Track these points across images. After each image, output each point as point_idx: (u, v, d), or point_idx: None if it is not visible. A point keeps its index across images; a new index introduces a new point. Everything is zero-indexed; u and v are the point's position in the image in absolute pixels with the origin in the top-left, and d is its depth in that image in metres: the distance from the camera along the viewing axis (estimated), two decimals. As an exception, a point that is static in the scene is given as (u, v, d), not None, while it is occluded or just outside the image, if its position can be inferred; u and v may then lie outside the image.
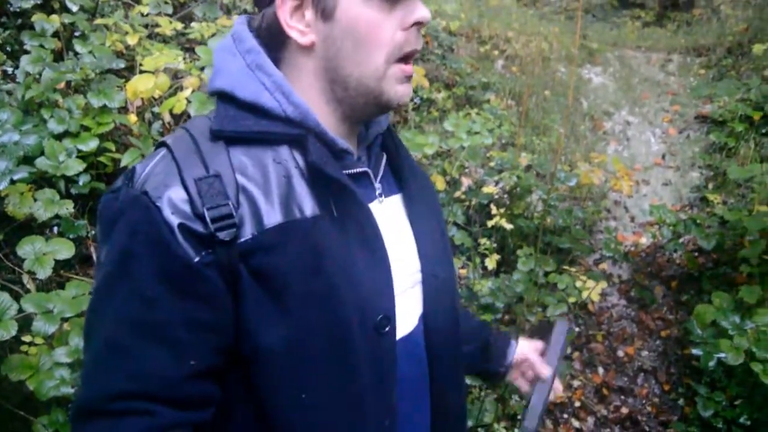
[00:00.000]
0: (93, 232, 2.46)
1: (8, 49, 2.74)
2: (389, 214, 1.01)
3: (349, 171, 0.95)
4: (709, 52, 5.86)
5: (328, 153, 0.92)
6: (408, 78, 0.94)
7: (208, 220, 0.81)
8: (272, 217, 0.85)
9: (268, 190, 0.86)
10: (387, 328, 0.93)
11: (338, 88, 0.93)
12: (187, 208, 0.81)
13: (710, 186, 4.30)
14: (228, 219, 0.82)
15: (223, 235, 0.81)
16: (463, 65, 4.57)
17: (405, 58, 0.93)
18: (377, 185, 1.00)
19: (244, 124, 0.89)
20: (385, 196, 1.02)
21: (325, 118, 0.94)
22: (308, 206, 0.88)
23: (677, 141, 4.83)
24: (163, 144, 0.89)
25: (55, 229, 2.33)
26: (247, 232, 0.83)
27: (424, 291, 1.04)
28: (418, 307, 1.04)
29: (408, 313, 1.01)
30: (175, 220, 0.81)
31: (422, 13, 0.91)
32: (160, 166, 0.85)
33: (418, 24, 0.92)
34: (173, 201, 0.81)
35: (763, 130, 4.43)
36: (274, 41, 0.93)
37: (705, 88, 3.83)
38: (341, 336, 0.88)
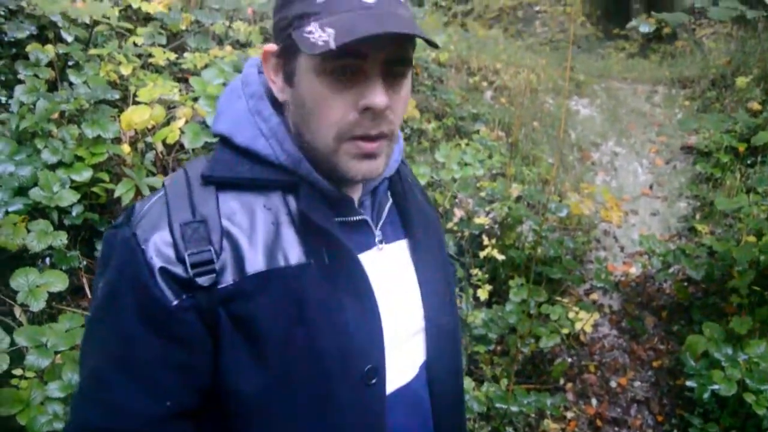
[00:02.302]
0: (85, 263, 2.44)
1: (2, 78, 2.74)
2: (390, 262, 1.00)
3: (345, 219, 0.95)
4: (693, 84, 5.97)
5: (322, 200, 0.91)
6: (367, 155, 0.88)
7: (188, 264, 0.83)
8: (255, 264, 0.86)
9: (254, 236, 0.87)
10: (374, 380, 0.91)
11: (306, 146, 0.91)
12: (170, 252, 0.84)
13: (698, 216, 4.35)
14: (208, 265, 0.84)
15: (202, 281, 0.83)
16: (453, 96, 4.62)
17: (364, 138, 0.87)
18: (377, 232, 0.99)
19: (238, 170, 0.90)
20: (387, 243, 1.00)
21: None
22: (294, 254, 0.88)
23: (664, 171, 4.89)
24: (163, 185, 0.92)
25: (48, 260, 2.31)
26: (228, 278, 0.85)
27: (427, 339, 1.03)
28: (420, 355, 1.03)
29: (406, 362, 1.00)
30: (156, 263, 0.83)
31: (370, 99, 0.84)
32: (155, 207, 0.88)
33: (368, 110, 0.85)
34: (157, 244, 0.84)
35: (749, 161, 4.50)
36: None
37: (692, 122, 3.90)
38: (323, 387, 0.88)
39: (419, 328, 1.02)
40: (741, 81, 5.21)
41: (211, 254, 0.84)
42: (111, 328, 0.86)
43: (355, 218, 0.97)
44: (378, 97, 0.84)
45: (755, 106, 4.89)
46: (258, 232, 0.87)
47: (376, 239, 0.99)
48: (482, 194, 3.70)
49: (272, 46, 0.91)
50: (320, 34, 0.80)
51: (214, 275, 0.83)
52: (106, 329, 0.87)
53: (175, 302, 0.83)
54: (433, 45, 0.83)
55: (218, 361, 0.86)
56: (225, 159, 0.91)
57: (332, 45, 0.78)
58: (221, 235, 0.85)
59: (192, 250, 0.83)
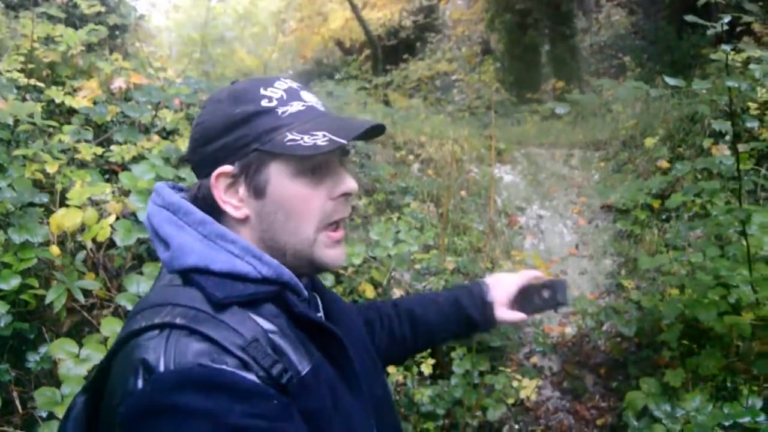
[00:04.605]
0: (14, 374, 2.33)
1: None
2: None
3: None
4: (606, 145, 6.32)
5: (303, 301, 0.98)
6: (338, 242, 1.01)
7: (274, 376, 0.83)
8: (303, 363, 0.89)
9: (287, 340, 0.90)
10: None
11: (277, 254, 0.97)
12: (251, 375, 0.81)
13: (623, 272, 4.54)
14: (286, 374, 0.85)
15: (290, 387, 0.85)
16: (382, 172, 4.73)
17: (334, 224, 1.01)
18: None
19: (237, 288, 0.90)
20: None
21: None
22: (313, 350, 0.93)
23: (588, 231, 5.11)
24: (160, 326, 0.84)
25: (-26, 376, 2.19)
26: (294, 379, 0.86)
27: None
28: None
29: None
30: (251, 375, 0.81)
31: (348, 185, 0.99)
32: (188, 345, 0.81)
33: (345, 195, 1.00)
34: (236, 364, 0.81)
35: (663, 216, 4.76)
36: (211, 211, 0.97)
37: (609, 191, 4.17)
38: None
39: None
40: (649, 141, 5.56)
41: (282, 365, 0.85)
42: None
43: (319, 313, 1.08)
44: (352, 182, 1.00)
45: (664, 164, 5.22)
46: (289, 336, 0.90)
47: None
48: (417, 266, 3.76)
49: (227, 167, 0.95)
50: (309, 138, 0.92)
51: (293, 382, 0.86)
52: None
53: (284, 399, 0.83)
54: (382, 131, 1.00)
55: None
56: (218, 284, 0.90)
57: (337, 142, 0.91)
58: (273, 346, 0.87)
59: (267, 365, 0.83)
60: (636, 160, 5.65)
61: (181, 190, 1.04)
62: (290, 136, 0.92)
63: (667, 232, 4.55)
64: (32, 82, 3.60)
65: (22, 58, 3.75)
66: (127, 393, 0.80)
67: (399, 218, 4.21)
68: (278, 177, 0.95)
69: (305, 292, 1.01)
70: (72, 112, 3.68)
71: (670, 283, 3.69)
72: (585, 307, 3.71)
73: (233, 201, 0.96)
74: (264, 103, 0.95)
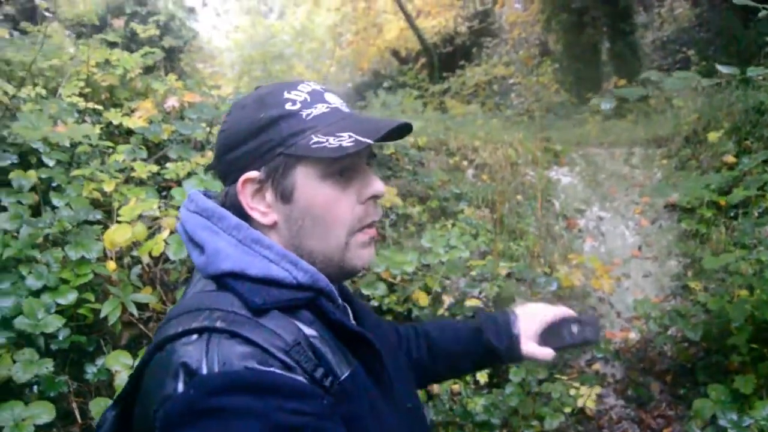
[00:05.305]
0: (75, 386, 2.41)
1: (-16, 208, 2.77)
2: None
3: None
4: (668, 142, 6.09)
5: (337, 308, 0.98)
6: (370, 241, 1.00)
7: (318, 379, 0.83)
8: (342, 368, 0.89)
9: (328, 345, 0.89)
10: None
11: (307, 260, 0.95)
12: (297, 375, 0.82)
13: (689, 273, 4.35)
14: (327, 378, 0.85)
15: (333, 391, 0.85)
16: (435, 179, 4.70)
17: (366, 226, 0.99)
18: None
19: (274, 294, 0.89)
20: None
21: None
22: (350, 356, 0.93)
23: (651, 231, 4.93)
24: (199, 330, 0.83)
25: (35, 387, 2.27)
26: (335, 384, 0.86)
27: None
28: None
29: None
30: (299, 376, 0.81)
31: (376, 187, 0.98)
32: (225, 346, 0.80)
33: (374, 197, 0.99)
34: (281, 367, 0.81)
35: (731, 214, 4.55)
36: (239, 218, 0.96)
37: (668, 188, 4.00)
38: None
39: None
40: (713, 136, 5.32)
41: (323, 369, 0.86)
42: None
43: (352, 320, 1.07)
44: (380, 184, 0.99)
45: (730, 159, 4.98)
46: (327, 342, 0.90)
47: None
48: (472, 272, 3.71)
49: (253, 173, 0.94)
50: (334, 140, 0.91)
51: (336, 385, 0.86)
52: None
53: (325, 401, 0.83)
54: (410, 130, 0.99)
55: None
56: (254, 289, 0.89)
57: (362, 143, 0.89)
58: (313, 350, 0.87)
59: (310, 368, 0.83)
60: (700, 156, 5.42)
61: (211, 198, 1.03)
62: (315, 139, 0.92)
63: (736, 230, 4.33)
64: (91, 105, 3.74)
65: (81, 84, 3.91)
66: (166, 397, 0.79)
67: (453, 225, 4.17)
68: (305, 180, 0.94)
69: (339, 300, 1.01)
70: (130, 132, 3.81)
71: (738, 283, 3.52)
72: (648, 311, 3.57)
73: (260, 207, 0.96)
74: (288, 106, 0.95)
